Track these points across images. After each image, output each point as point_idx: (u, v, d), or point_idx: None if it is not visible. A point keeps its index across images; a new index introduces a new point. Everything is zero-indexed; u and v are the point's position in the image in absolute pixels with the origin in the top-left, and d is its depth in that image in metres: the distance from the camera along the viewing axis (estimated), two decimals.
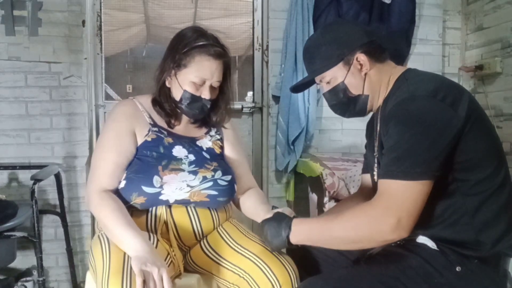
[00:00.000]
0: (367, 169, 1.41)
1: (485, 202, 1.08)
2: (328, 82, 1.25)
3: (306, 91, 2.56)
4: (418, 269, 1.07)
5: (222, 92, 1.42)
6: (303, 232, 1.16)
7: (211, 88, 1.35)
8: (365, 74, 1.21)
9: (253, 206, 1.42)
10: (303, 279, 1.20)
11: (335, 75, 1.23)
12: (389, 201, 1.03)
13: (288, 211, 1.30)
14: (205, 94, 1.34)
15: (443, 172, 1.05)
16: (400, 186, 1.03)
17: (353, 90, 1.22)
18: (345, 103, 1.25)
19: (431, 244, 1.11)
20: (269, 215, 1.27)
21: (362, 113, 1.28)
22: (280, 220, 1.20)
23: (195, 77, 1.32)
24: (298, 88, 1.38)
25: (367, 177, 1.40)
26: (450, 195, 1.08)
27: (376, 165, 1.25)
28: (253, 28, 2.77)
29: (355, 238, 1.07)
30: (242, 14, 2.83)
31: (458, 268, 1.06)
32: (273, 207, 1.36)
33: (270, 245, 1.24)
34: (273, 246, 1.22)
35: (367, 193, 1.36)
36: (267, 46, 2.67)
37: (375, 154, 1.25)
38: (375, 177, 1.25)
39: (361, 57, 1.20)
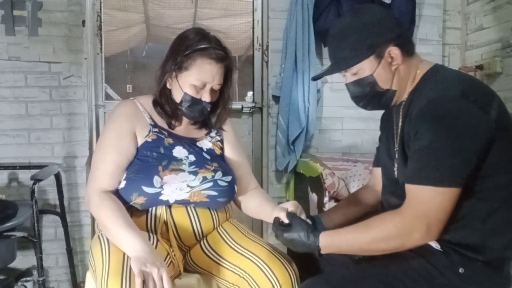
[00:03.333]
0: (378, 162, 1.38)
1: (498, 209, 1.06)
2: (354, 74, 1.18)
3: (306, 91, 2.57)
4: (420, 270, 1.06)
5: (222, 94, 1.42)
6: (332, 246, 1.13)
7: (212, 90, 1.35)
8: (395, 68, 1.15)
9: (258, 205, 1.42)
10: (304, 279, 1.20)
11: (364, 67, 1.16)
12: (419, 208, 1.02)
13: (291, 204, 1.28)
14: (206, 97, 1.34)
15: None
16: (430, 192, 1.01)
17: (381, 84, 1.16)
18: (371, 96, 1.19)
19: (434, 244, 1.10)
20: (277, 212, 1.25)
21: (385, 107, 1.24)
22: (305, 231, 1.15)
23: (196, 80, 1.32)
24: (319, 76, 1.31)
25: (378, 171, 1.37)
26: (464, 198, 1.06)
27: (396, 159, 1.20)
28: (253, 28, 2.77)
29: (386, 248, 1.07)
30: (242, 14, 2.83)
31: (461, 270, 1.05)
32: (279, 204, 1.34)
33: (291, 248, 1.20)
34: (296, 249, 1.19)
35: (378, 185, 1.34)
36: (267, 46, 2.67)
37: (395, 149, 1.21)
38: (395, 173, 1.20)
39: (394, 50, 1.13)
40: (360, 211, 1.41)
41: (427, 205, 1.02)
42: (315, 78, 1.32)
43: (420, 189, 1.03)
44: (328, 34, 1.23)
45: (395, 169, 1.20)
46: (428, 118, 1.04)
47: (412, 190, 1.05)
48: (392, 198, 1.22)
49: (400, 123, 1.18)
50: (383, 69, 1.15)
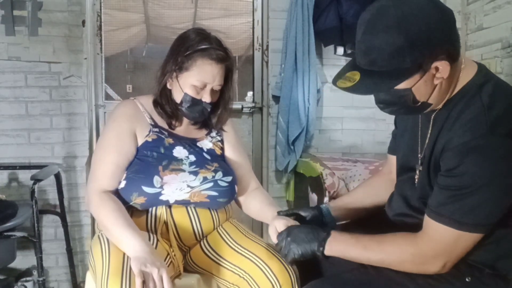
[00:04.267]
0: (393, 150, 1.32)
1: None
2: None
3: (306, 91, 2.57)
4: (427, 278, 1.04)
5: (222, 94, 1.42)
6: (339, 250, 1.11)
7: (212, 91, 1.35)
8: (439, 82, 0.99)
9: (258, 208, 1.42)
10: (305, 280, 1.19)
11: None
12: (440, 248, 0.99)
13: (283, 225, 1.22)
14: (206, 98, 1.34)
15: None
16: (456, 236, 0.96)
17: (418, 98, 1.00)
18: (401, 107, 1.04)
19: None
20: (276, 220, 1.24)
21: (414, 115, 1.14)
22: (313, 230, 1.14)
23: (196, 81, 1.32)
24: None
25: (393, 159, 1.31)
26: None
27: (418, 166, 1.13)
28: (253, 28, 2.77)
29: (397, 269, 1.05)
30: (242, 14, 2.83)
31: (468, 279, 1.03)
32: (279, 213, 1.33)
33: (293, 251, 1.15)
34: (296, 253, 1.14)
35: (394, 174, 1.28)
36: (267, 46, 2.67)
37: (419, 155, 1.13)
38: (416, 179, 1.14)
39: (444, 65, 0.96)
40: (373, 203, 1.37)
41: (450, 247, 0.98)
42: (347, 91, 1.03)
43: (446, 230, 0.97)
44: (353, 23, 1.01)
45: (416, 177, 1.14)
46: (468, 158, 0.94)
47: (436, 229, 0.99)
48: (405, 208, 1.18)
49: (429, 133, 1.09)
50: (424, 83, 0.98)
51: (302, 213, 1.35)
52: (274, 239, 1.23)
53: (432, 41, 0.94)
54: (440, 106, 1.06)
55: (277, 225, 1.24)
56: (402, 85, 0.98)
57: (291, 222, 1.25)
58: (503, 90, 1.02)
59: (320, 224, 1.32)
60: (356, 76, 1.00)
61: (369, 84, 0.99)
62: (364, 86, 0.99)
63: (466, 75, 1.03)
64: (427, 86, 0.99)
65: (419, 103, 1.02)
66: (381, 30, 0.94)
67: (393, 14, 0.94)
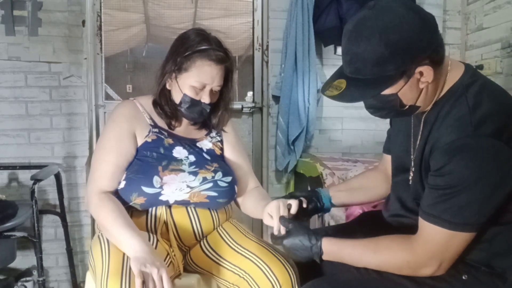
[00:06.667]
0: (388, 150, 1.34)
1: (504, 231, 1.03)
2: None
3: (306, 91, 2.57)
4: (425, 277, 1.04)
5: (222, 95, 1.41)
6: (335, 256, 1.12)
7: (212, 92, 1.35)
8: (424, 86, 1.01)
9: (253, 204, 1.42)
10: (304, 280, 1.19)
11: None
12: (433, 250, 0.99)
13: (272, 208, 1.21)
14: (205, 99, 1.34)
15: None
16: (448, 236, 0.97)
17: (405, 102, 1.03)
18: (390, 111, 1.07)
19: None
20: (268, 205, 1.22)
21: (404, 117, 1.16)
22: (306, 235, 1.13)
23: (195, 82, 1.32)
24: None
25: (388, 157, 1.33)
26: None
27: (412, 167, 1.14)
28: (253, 28, 2.77)
29: (392, 272, 1.06)
30: (242, 14, 2.83)
31: (464, 277, 1.04)
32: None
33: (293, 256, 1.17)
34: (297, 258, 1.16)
35: (389, 171, 1.29)
36: (267, 46, 2.67)
37: (412, 156, 1.14)
38: (410, 181, 1.14)
39: (427, 70, 0.98)
40: (367, 196, 1.41)
41: (442, 247, 0.99)
42: (334, 100, 1.06)
43: (437, 231, 0.98)
44: (333, 33, 1.06)
45: (410, 178, 1.15)
46: (455, 158, 0.95)
47: (428, 230, 1.00)
48: (400, 210, 1.19)
49: (420, 134, 1.10)
50: (410, 88, 1.01)
51: (299, 195, 1.35)
52: (269, 223, 1.20)
53: (413, 48, 0.96)
54: (429, 107, 1.08)
55: (268, 210, 1.21)
56: (387, 91, 1.00)
57: (282, 203, 1.21)
58: (489, 90, 1.03)
59: (317, 207, 1.34)
60: (343, 84, 1.02)
61: (355, 92, 1.01)
62: (350, 94, 1.01)
63: (453, 76, 1.05)
64: (413, 91, 1.01)
65: (407, 107, 1.04)
66: (364, 40, 0.97)
67: (374, 24, 0.96)
